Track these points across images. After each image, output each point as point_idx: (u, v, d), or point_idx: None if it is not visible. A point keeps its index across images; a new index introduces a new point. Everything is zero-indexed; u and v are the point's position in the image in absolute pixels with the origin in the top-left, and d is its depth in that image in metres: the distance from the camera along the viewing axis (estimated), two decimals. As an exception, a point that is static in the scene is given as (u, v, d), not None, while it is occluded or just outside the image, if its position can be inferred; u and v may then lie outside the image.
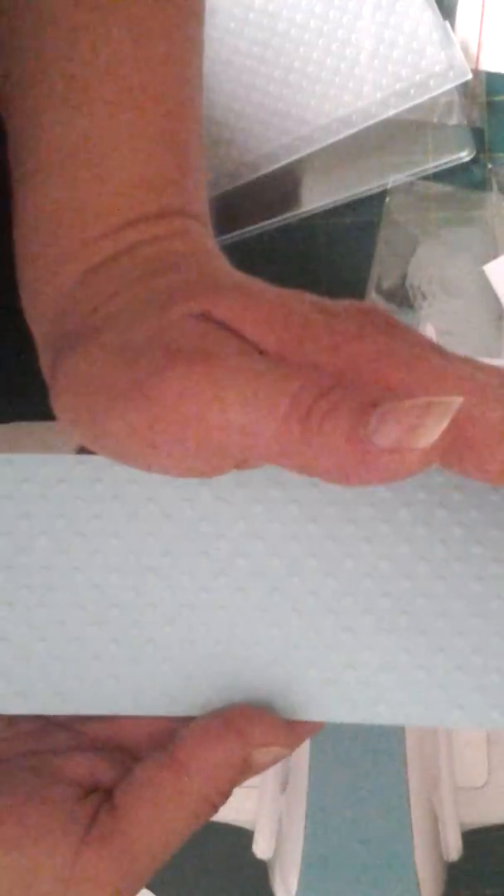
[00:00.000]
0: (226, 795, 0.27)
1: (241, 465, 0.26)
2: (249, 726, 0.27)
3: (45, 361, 0.30)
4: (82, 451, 0.31)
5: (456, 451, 0.23)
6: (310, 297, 0.26)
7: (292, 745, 0.28)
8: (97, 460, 0.29)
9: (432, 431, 0.21)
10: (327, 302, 0.26)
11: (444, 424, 0.21)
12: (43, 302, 0.30)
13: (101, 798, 0.27)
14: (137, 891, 0.26)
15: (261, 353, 0.25)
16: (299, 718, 0.28)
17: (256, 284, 0.27)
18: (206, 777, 0.26)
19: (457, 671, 0.28)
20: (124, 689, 0.28)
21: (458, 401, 0.21)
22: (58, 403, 0.28)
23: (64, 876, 0.25)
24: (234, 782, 0.27)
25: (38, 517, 0.29)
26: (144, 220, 0.30)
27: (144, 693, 0.28)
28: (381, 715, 0.28)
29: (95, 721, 0.29)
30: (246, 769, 0.27)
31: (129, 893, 0.26)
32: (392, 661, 0.28)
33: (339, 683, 0.28)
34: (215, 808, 0.27)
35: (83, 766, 0.28)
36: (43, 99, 0.29)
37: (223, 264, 0.30)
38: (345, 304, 0.26)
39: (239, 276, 0.28)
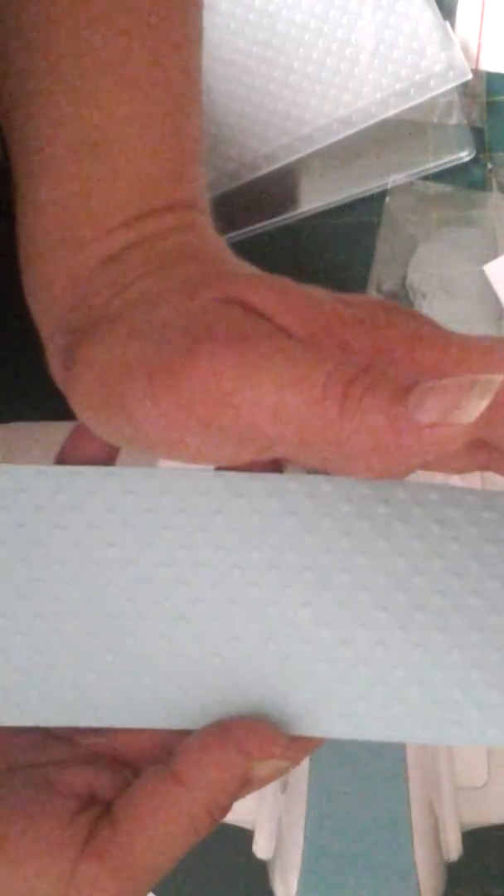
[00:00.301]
0: (226, 809, 0.26)
1: (263, 451, 0.26)
2: (248, 738, 0.26)
3: (54, 352, 0.30)
4: (61, 460, 0.30)
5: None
6: (327, 291, 0.27)
7: (293, 758, 0.27)
8: (93, 471, 0.29)
9: (475, 408, 0.22)
10: (346, 295, 0.26)
11: (488, 401, 0.22)
12: (53, 293, 0.30)
13: (99, 811, 0.26)
14: None
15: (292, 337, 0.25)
16: (294, 732, 0.28)
17: (277, 276, 0.27)
18: (205, 790, 0.26)
19: (454, 687, 0.27)
20: (120, 701, 0.28)
21: (500, 378, 0.22)
22: (77, 391, 0.28)
23: (62, 889, 0.25)
24: (234, 795, 0.26)
25: (33, 528, 0.29)
26: (157, 212, 0.30)
27: (140, 705, 0.28)
28: (377, 731, 0.27)
29: (94, 734, 0.29)
30: (246, 782, 0.26)
31: None
32: (388, 676, 0.28)
33: (333, 697, 0.28)
34: (215, 822, 0.26)
35: (82, 778, 0.27)
36: (52, 92, 0.29)
37: (236, 258, 0.30)
38: (362, 297, 0.26)
39: (255, 269, 0.29)
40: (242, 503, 0.29)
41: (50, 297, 0.30)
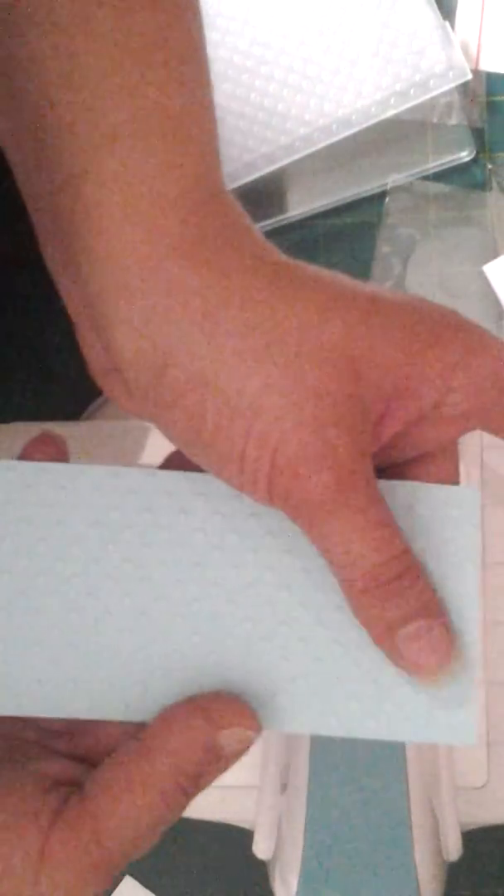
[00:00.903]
0: (194, 779, 0.26)
1: None
2: (213, 706, 0.27)
3: (110, 334, 0.28)
4: (24, 456, 0.30)
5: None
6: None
7: (260, 729, 0.28)
8: (62, 468, 0.30)
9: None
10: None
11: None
12: (127, 281, 0.27)
13: (70, 789, 0.27)
14: (110, 872, 0.26)
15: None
16: None
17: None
18: (169, 756, 0.26)
19: (408, 685, 0.28)
20: (81, 693, 0.29)
21: None
22: (166, 418, 0.28)
23: (34, 860, 0.25)
24: (202, 765, 0.26)
25: (1, 522, 0.29)
26: (221, 194, 0.28)
27: (101, 697, 0.29)
28: (331, 726, 0.29)
29: (67, 739, 0.29)
30: (213, 752, 0.27)
31: (100, 874, 0.26)
32: (344, 674, 0.29)
33: (290, 694, 0.28)
34: (185, 793, 0.26)
35: (53, 765, 0.28)
36: (115, 62, 0.27)
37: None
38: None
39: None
40: (207, 504, 0.30)
41: (119, 283, 0.27)
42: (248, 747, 0.27)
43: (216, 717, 0.27)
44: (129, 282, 0.27)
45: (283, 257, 0.28)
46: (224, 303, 0.26)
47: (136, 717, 0.28)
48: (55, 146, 0.27)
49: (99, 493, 0.30)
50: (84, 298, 0.28)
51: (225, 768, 0.27)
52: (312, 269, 0.28)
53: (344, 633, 0.29)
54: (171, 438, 0.28)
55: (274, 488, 0.27)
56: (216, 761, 0.27)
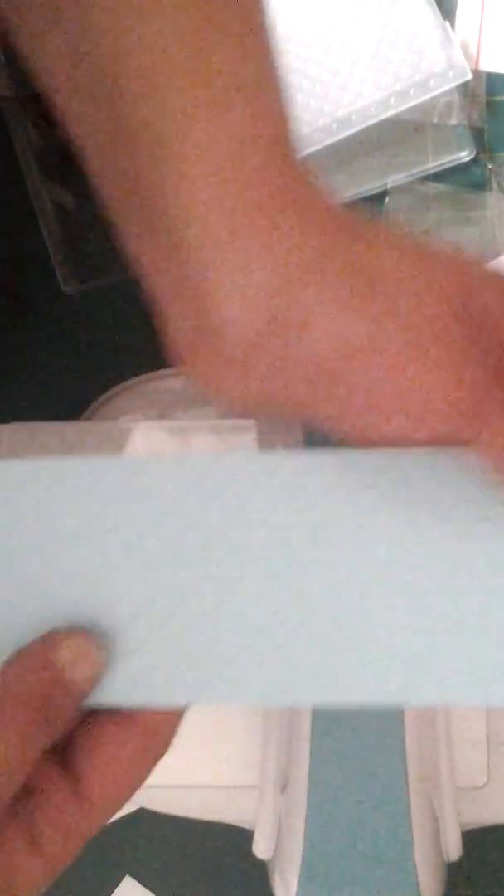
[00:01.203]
0: (41, 699, 0.27)
1: None
2: (47, 635, 0.28)
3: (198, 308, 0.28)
4: None
5: None
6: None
7: (102, 646, 0.29)
8: (173, 459, 0.30)
9: None
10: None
11: None
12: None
13: None
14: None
15: None
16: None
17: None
18: (16, 683, 0.27)
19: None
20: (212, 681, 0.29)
21: None
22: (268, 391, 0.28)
23: None
24: (45, 688, 0.27)
25: (149, 514, 0.30)
26: (297, 162, 0.30)
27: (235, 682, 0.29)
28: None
29: None
30: (51, 673, 0.27)
31: None
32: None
33: (421, 667, 0.29)
34: (39, 714, 0.27)
35: None
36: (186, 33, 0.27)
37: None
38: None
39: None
40: (321, 479, 0.30)
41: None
42: (97, 668, 0.28)
43: (48, 641, 0.28)
44: (225, 240, 0.27)
45: (361, 217, 0.29)
46: (321, 252, 0.27)
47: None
48: (134, 117, 0.27)
49: (238, 481, 0.30)
50: (172, 270, 0.28)
51: (73, 692, 0.28)
52: (391, 227, 0.29)
53: (454, 605, 0.29)
54: (284, 397, 0.28)
55: (419, 423, 0.27)
56: (62, 686, 0.28)
